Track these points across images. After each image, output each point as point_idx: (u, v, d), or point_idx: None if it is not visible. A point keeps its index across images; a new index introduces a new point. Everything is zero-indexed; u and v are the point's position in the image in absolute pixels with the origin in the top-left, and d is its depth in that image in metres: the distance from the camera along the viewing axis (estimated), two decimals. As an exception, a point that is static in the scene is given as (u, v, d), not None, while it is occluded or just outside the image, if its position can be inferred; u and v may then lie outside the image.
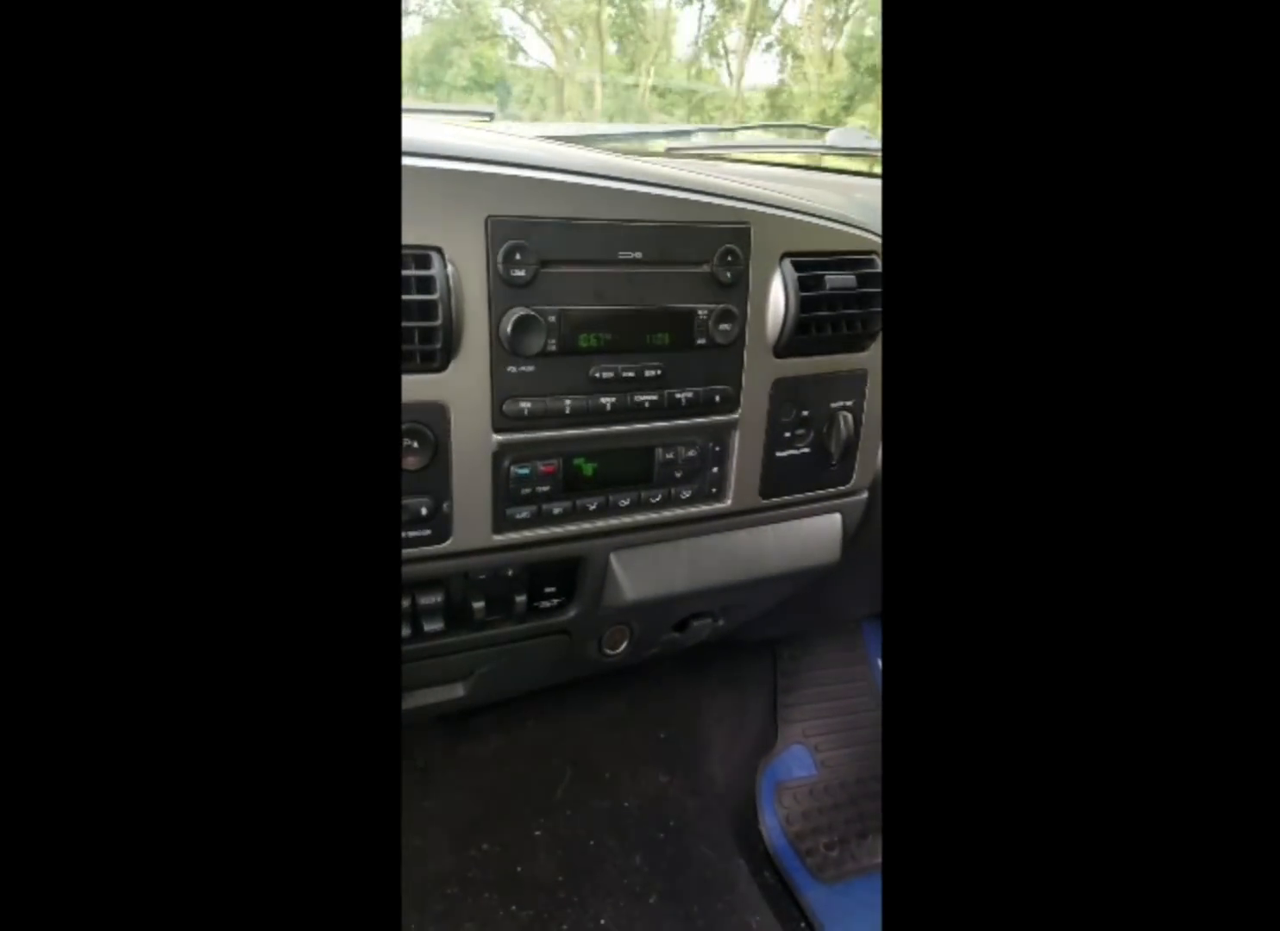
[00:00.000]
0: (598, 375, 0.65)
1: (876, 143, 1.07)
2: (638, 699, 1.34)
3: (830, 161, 1.21)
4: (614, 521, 0.70)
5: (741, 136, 1.27)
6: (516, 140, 0.63)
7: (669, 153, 1.00)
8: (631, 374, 0.66)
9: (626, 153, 0.92)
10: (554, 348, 0.62)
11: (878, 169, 1.19)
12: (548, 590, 0.73)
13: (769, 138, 1.11)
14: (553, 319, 0.61)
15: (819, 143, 1.08)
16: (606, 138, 0.94)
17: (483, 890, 1.06)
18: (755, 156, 1.07)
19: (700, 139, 1.04)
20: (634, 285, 0.65)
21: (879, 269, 0.76)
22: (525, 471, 0.65)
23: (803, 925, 1.18)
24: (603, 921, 1.06)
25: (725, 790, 1.33)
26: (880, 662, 1.56)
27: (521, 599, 0.71)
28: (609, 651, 0.84)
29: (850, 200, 0.88)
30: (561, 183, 0.61)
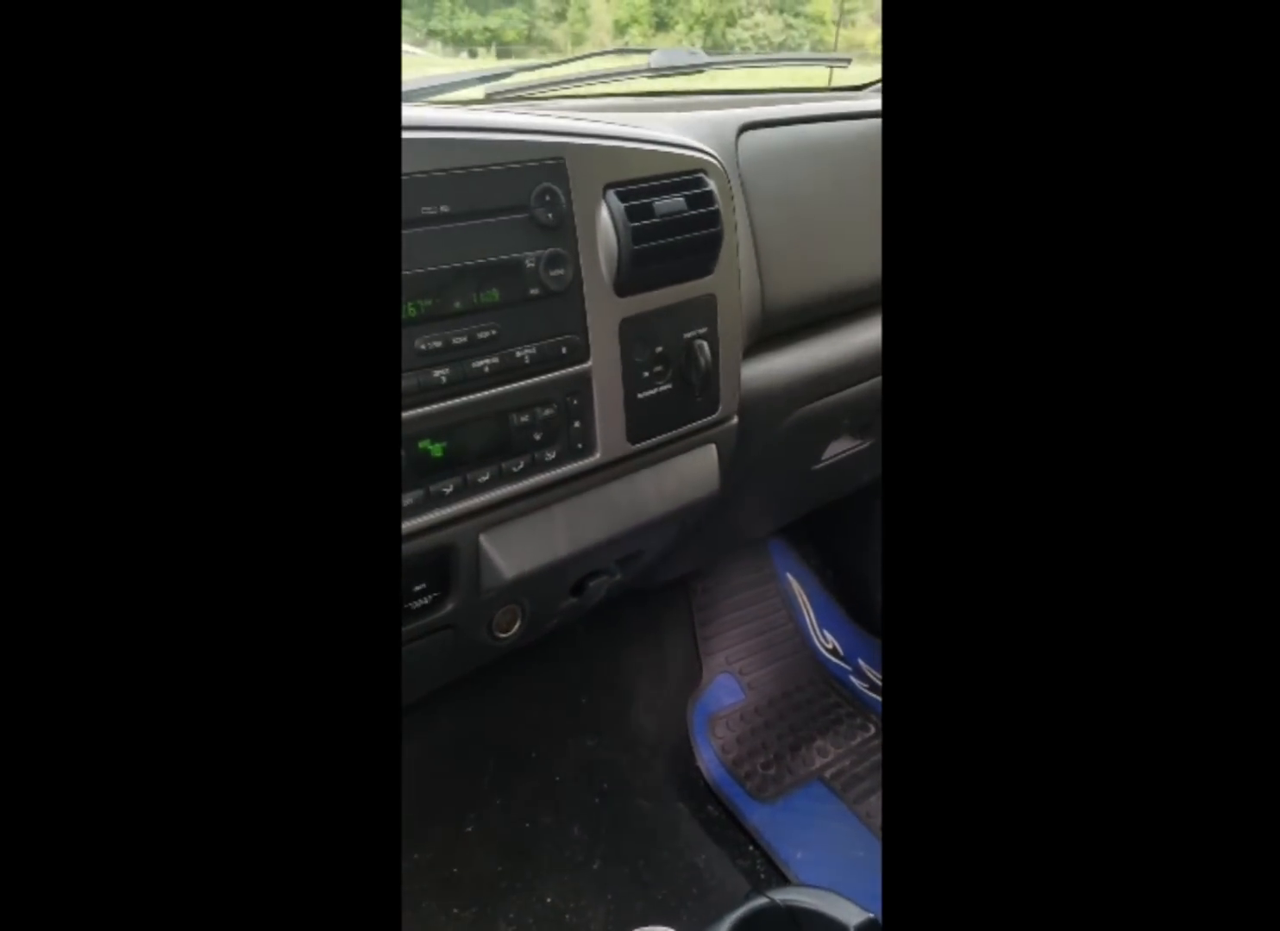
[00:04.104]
0: (424, 347, 0.58)
1: (704, 57, 1.03)
2: (555, 668, 1.31)
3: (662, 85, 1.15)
4: (476, 500, 0.64)
5: (565, 70, 1.20)
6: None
7: (489, 98, 0.93)
8: (463, 339, 0.60)
9: (447, 104, 0.84)
10: None
11: (705, 84, 1.14)
12: (417, 588, 0.66)
13: (596, 67, 1.04)
14: None
15: (642, 66, 1.02)
16: (422, 92, 0.86)
17: (420, 900, 1.02)
18: (582, 90, 1.01)
19: (520, 78, 0.96)
20: (447, 242, 0.58)
21: (709, 187, 0.72)
22: None
23: (751, 848, 1.19)
24: (549, 900, 1.04)
25: (657, 738, 1.32)
26: (790, 576, 1.59)
27: None
28: (501, 635, 0.79)
29: (668, 120, 0.83)
30: None
